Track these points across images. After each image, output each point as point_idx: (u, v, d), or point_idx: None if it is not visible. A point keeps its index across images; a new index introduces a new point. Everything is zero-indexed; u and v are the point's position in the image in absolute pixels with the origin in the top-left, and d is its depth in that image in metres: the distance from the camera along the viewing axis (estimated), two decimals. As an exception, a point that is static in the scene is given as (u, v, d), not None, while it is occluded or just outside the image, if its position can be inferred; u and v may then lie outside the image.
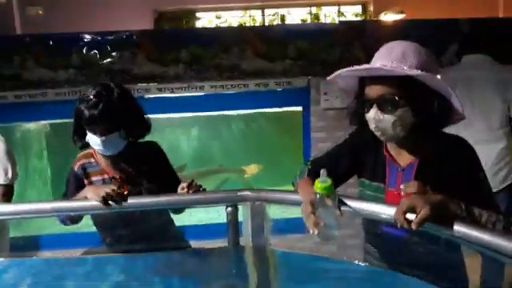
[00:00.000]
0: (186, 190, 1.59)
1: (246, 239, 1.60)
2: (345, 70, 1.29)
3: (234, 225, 1.62)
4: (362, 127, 1.37)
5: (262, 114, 4.18)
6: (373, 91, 1.27)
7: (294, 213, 1.34)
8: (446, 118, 1.28)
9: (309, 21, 6.91)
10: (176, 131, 5.00)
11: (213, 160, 5.07)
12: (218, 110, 3.70)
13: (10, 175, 2.23)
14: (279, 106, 3.68)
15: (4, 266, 1.68)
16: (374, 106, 1.26)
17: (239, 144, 5.12)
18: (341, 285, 1.49)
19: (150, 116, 1.83)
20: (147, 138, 1.82)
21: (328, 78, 1.35)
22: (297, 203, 1.47)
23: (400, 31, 3.43)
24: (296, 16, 7.01)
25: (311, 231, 1.16)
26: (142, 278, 1.58)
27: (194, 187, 1.60)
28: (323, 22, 6.77)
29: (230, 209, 1.61)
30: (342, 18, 6.85)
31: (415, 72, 1.19)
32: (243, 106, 3.61)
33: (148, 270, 1.62)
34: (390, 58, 1.23)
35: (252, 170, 4.92)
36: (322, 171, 1.18)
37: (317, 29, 3.78)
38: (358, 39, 3.43)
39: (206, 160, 5.04)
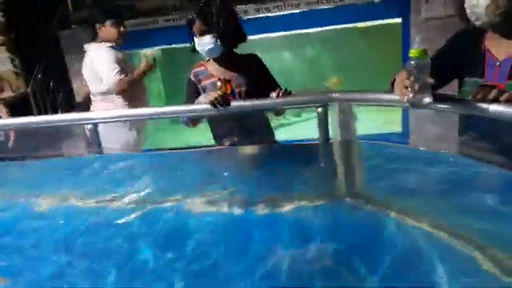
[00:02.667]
0: (275, 94, 1.80)
1: (335, 136, 1.77)
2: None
3: (323, 123, 1.79)
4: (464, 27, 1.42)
5: (355, 29, 4.09)
6: None
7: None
8: None
9: None
10: (268, 52, 5.13)
11: (304, 79, 5.13)
12: (314, 27, 3.74)
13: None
14: (377, 19, 3.59)
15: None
16: None
17: (332, 62, 5.08)
18: (432, 173, 1.58)
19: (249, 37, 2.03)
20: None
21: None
22: (380, 102, 1.59)
23: None
24: None
25: (402, 96, 1.27)
26: (242, 168, 1.86)
27: (285, 93, 1.81)
28: None
29: (320, 109, 1.77)
30: None
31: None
32: (339, 21, 3.61)
33: (248, 161, 1.90)
34: None
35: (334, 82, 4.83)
36: (416, 38, 1.27)
37: None
38: None
39: (297, 80, 5.11)
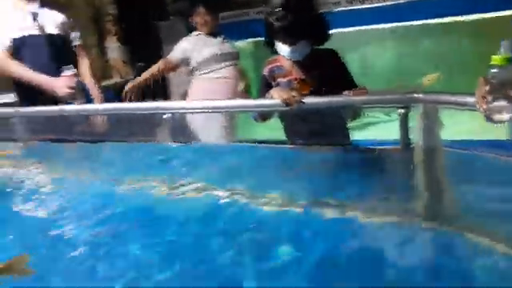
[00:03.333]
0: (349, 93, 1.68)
1: (416, 141, 1.60)
2: None
3: (404, 126, 1.63)
4: None
5: (462, 22, 3.69)
6: None
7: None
8: None
9: None
10: (360, 46, 4.87)
11: (397, 76, 4.78)
12: (411, 20, 3.47)
13: None
14: (486, 11, 3.21)
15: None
16: None
17: (431, 59, 4.66)
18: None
19: (340, 30, 1.93)
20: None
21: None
22: (470, 107, 1.39)
23: None
24: None
25: (481, 109, 1.13)
26: (315, 169, 1.77)
27: (359, 91, 1.67)
28: None
29: (401, 110, 1.61)
30: None
31: None
32: (441, 13, 3.29)
33: (318, 162, 1.81)
34: None
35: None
36: (503, 43, 1.09)
37: None
38: None
39: (389, 76, 4.79)
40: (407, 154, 1.63)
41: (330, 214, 1.43)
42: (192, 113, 2.26)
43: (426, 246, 1.27)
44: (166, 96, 4.64)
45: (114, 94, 4.63)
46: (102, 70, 5.47)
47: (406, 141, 1.64)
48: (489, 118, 1.13)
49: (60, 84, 2.48)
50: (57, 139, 2.47)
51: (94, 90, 2.76)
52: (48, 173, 2.13)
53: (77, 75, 2.54)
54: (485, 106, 1.11)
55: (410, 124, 1.61)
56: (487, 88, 1.10)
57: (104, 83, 4.89)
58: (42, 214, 1.75)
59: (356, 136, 2.10)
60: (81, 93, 2.55)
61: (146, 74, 3.04)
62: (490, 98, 1.10)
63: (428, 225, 1.32)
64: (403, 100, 1.60)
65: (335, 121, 1.98)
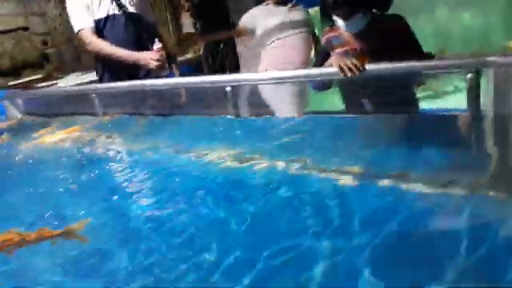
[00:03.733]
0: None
1: (488, 108, 1.49)
2: None
3: (474, 93, 1.51)
4: None
5: None
6: None
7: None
8: None
9: None
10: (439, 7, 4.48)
11: (487, 37, 4.34)
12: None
13: None
14: None
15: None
16: None
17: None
18: None
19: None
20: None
21: None
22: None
23: None
24: None
25: None
26: (372, 138, 1.71)
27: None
28: None
29: (470, 75, 1.50)
30: None
31: None
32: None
33: (380, 131, 1.74)
34: None
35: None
36: None
37: None
38: None
39: (476, 39, 4.37)
40: (476, 122, 1.52)
41: (403, 185, 1.37)
42: (254, 84, 2.28)
43: (500, 220, 1.18)
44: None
45: (188, 69, 4.82)
46: (177, 46, 5.68)
47: (475, 109, 1.53)
48: None
49: (152, 57, 2.61)
50: (133, 113, 2.65)
51: (172, 66, 2.88)
52: (125, 145, 2.28)
53: (164, 48, 2.64)
54: None
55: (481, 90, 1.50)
56: None
57: (179, 59, 5.09)
58: (116, 184, 1.84)
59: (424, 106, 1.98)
60: (167, 65, 2.68)
61: (216, 36, 3.07)
62: None
63: (501, 196, 1.22)
64: (472, 64, 1.48)
65: (401, 89, 1.88)
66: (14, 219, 1.58)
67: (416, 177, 1.35)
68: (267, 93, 2.65)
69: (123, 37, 2.70)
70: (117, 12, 2.72)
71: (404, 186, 1.34)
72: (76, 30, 2.73)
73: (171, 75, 2.80)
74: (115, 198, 1.70)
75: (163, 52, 2.63)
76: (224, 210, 1.41)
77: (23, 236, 1.39)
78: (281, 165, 1.62)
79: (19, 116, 3.36)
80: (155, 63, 2.61)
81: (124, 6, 2.73)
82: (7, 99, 3.43)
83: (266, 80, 2.21)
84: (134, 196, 1.66)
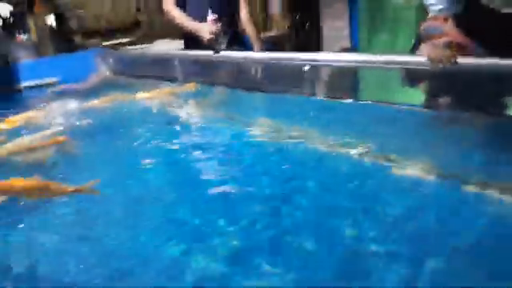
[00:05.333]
0: None
1: None
2: None
3: None
4: None
5: None
6: None
7: None
8: None
9: None
10: None
11: None
12: None
13: None
14: None
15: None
16: None
17: None
18: None
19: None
20: None
21: None
22: None
23: None
24: None
25: None
26: (453, 138, 1.59)
27: None
28: None
29: None
30: None
31: None
32: None
33: (463, 131, 1.60)
34: None
35: None
36: None
37: None
38: None
39: None
40: None
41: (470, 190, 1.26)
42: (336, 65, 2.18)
43: None
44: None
45: (271, 46, 4.79)
46: (262, 23, 5.66)
47: None
48: None
49: (205, 29, 2.62)
50: (212, 83, 2.69)
51: (254, 39, 2.85)
52: (202, 113, 2.30)
53: (218, 21, 2.60)
54: None
55: None
56: None
57: (262, 36, 5.06)
58: (186, 152, 1.84)
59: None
60: (223, 39, 2.63)
61: None
62: None
63: None
64: None
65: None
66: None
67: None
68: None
69: (203, 6, 2.68)
70: None
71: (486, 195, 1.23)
72: None
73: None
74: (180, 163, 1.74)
75: (218, 25, 2.59)
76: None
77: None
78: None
79: (107, 74, 3.57)
80: (207, 36, 2.60)
81: None
82: (99, 57, 3.66)
83: (348, 62, 2.11)
84: (201, 164, 1.70)
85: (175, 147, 1.89)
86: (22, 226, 1.32)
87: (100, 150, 1.95)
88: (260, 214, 1.28)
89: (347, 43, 4.58)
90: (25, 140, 1.97)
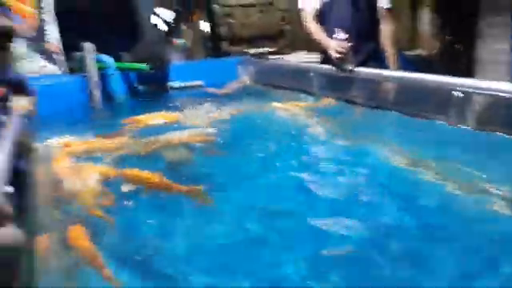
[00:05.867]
0: None
1: None
2: None
3: None
4: None
5: None
6: None
7: None
8: None
9: None
10: None
11: None
12: None
13: None
14: None
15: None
16: None
17: None
18: None
19: None
20: None
21: None
22: None
23: None
24: None
25: None
26: None
27: None
28: None
29: None
30: None
31: None
32: None
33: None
34: None
35: None
36: None
37: None
38: None
39: None
40: None
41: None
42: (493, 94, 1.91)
43: None
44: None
45: (412, 65, 4.49)
46: (408, 40, 5.36)
47: None
48: None
49: (333, 45, 2.56)
50: (347, 100, 2.61)
51: (391, 59, 2.72)
52: (336, 131, 2.22)
53: (348, 40, 2.53)
54: None
55: None
56: None
57: (407, 53, 4.79)
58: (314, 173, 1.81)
59: None
60: (352, 59, 2.56)
61: None
62: None
63: None
64: None
65: None
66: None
67: None
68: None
69: (345, 21, 2.65)
70: None
71: None
72: (299, 7, 2.85)
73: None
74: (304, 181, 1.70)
75: (346, 44, 2.51)
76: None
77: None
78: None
79: (247, 82, 3.73)
80: (335, 54, 2.54)
81: None
82: (241, 65, 3.84)
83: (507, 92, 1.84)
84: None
85: (309, 162, 1.91)
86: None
87: (238, 157, 2.03)
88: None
89: (507, 69, 4.05)
90: (176, 134, 2.20)
